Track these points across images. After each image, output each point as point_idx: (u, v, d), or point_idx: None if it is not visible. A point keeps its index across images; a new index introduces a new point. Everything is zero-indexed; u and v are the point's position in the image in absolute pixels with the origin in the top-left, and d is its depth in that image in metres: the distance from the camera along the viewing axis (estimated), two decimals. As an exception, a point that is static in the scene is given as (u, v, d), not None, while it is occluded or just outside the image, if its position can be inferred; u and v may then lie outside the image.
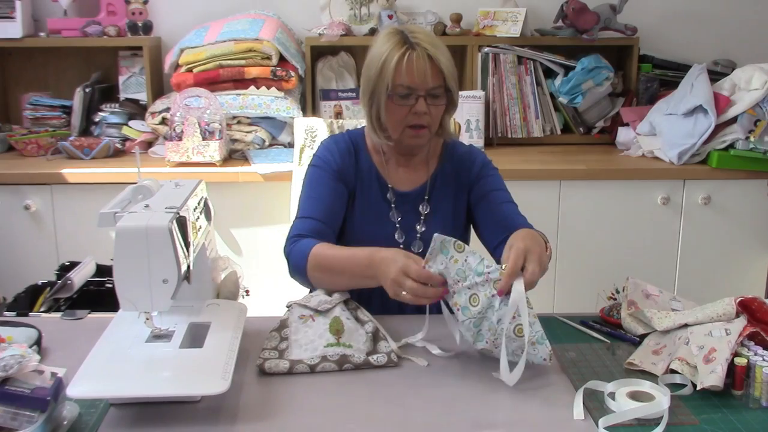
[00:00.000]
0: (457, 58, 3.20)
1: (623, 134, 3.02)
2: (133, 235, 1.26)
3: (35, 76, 3.20)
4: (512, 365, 1.34)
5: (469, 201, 1.79)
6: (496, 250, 1.70)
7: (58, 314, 1.70)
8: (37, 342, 1.48)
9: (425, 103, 1.64)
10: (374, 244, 1.56)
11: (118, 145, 2.89)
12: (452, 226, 1.78)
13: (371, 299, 1.66)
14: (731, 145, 2.71)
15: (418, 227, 1.77)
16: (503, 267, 1.37)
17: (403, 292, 1.41)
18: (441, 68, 1.64)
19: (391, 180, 1.78)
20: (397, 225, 1.76)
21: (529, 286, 1.36)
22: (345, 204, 1.75)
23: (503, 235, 1.59)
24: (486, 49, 3.03)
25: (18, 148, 2.88)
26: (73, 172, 2.65)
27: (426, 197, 1.78)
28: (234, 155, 2.85)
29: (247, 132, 2.86)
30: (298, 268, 1.61)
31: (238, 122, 2.87)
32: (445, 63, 1.65)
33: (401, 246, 1.74)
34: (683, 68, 3.05)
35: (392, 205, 1.77)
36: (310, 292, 1.64)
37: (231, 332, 1.41)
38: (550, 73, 3.09)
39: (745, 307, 1.43)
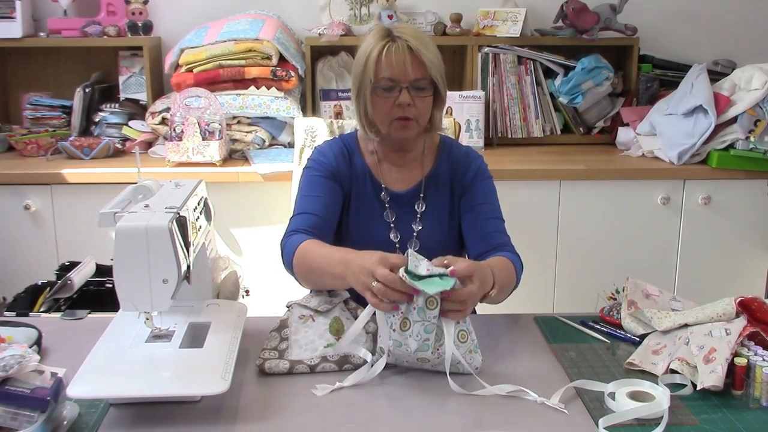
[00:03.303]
0: (457, 58, 3.21)
1: (623, 134, 3.02)
2: (133, 235, 1.26)
3: (35, 76, 3.20)
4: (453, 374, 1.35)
5: (459, 207, 1.80)
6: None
7: (58, 314, 1.70)
8: (37, 342, 1.48)
9: (409, 95, 1.65)
10: (370, 244, 1.55)
11: (118, 145, 2.88)
12: (448, 225, 1.79)
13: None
14: (731, 145, 2.71)
15: (415, 226, 1.78)
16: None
17: (374, 283, 1.32)
18: (422, 59, 1.64)
19: (384, 180, 1.79)
20: (392, 225, 1.77)
21: (463, 302, 1.34)
22: (341, 202, 1.77)
23: (483, 249, 1.71)
24: (486, 49, 3.03)
25: (18, 148, 2.88)
26: (73, 172, 2.65)
27: (421, 195, 1.79)
28: (234, 155, 2.84)
29: (247, 132, 2.86)
30: (287, 263, 1.63)
31: (238, 122, 2.87)
32: (428, 55, 1.65)
33: (397, 245, 1.76)
34: (683, 68, 3.05)
35: (386, 205, 1.78)
36: (311, 292, 1.64)
37: (231, 332, 1.41)
38: (550, 73, 3.09)
39: (745, 307, 1.44)
